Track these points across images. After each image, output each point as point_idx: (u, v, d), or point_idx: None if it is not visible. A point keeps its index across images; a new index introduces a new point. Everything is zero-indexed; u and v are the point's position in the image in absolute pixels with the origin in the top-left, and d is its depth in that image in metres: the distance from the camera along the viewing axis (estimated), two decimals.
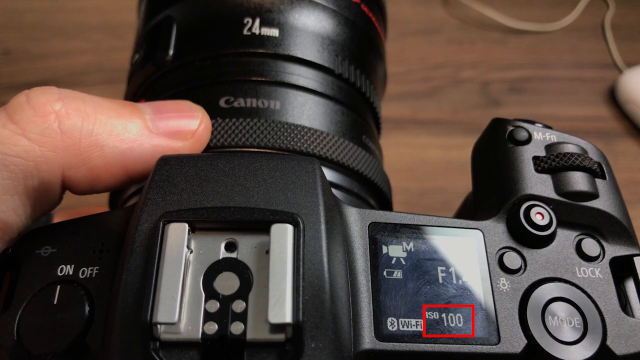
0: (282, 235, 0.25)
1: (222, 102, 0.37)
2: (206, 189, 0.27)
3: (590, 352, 0.27)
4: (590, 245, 0.30)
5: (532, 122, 0.34)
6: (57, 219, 0.46)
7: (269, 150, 0.35)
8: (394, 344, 0.27)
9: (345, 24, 0.42)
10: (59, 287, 0.27)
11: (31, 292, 0.27)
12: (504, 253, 0.30)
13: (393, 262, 0.29)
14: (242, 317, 0.24)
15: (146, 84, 0.41)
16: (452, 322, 0.28)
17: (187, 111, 0.33)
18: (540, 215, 0.30)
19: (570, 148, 0.33)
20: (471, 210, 0.35)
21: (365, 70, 0.43)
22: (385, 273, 0.29)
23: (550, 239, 0.30)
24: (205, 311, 0.25)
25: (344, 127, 0.39)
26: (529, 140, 0.33)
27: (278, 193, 0.27)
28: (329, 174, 0.36)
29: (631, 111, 0.80)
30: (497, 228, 0.31)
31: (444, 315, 0.28)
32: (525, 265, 0.30)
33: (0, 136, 0.27)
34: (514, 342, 0.28)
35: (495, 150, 0.33)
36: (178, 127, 0.32)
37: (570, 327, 0.28)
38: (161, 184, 0.27)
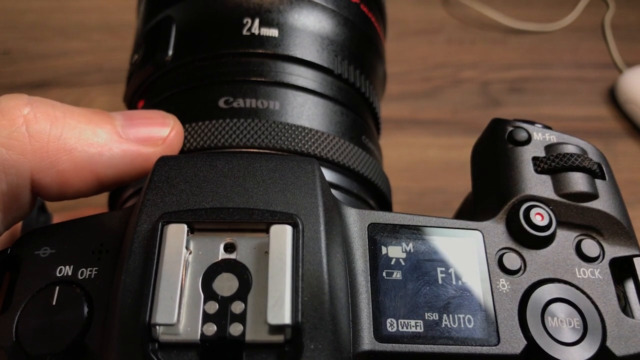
0: (282, 236, 0.25)
1: (221, 103, 0.37)
2: (205, 190, 0.27)
3: (590, 353, 0.27)
4: (590, 246, 0.30)
5: (532, 123, 0.34)
6: (56, 219, 0.46)
7: (268, 151, 0.35)
8: (394, 344, 0.27)
9: (344, 24, 0.42)
10: (57, 287, 0.27)
11: (30, 293, 0.27)
12: (503, 254, 0.30)
13: (392, 263, 0.29)
14: (241, 318, 0.24)
15: (145, 84, 0.41)
16: (451, 323, 0.28)
17: (157, 118, 0.33)
18: (540, 216, 0.30)
19: (570, 149, 0.33)
20: (471, 211, 0.35)
21: (365, 70, 0.43)
22: (384, 274, 0.29)
23: (550, 239, 0.30)
24: (204, 312, 0.25)
25: (344, 128, 0.39)
26: (528, 140, 0.33)
27: (277, 194, 0.27)
28: (329, 175, 0.36)
29: (631, 111, 0.80)
30: (496, 229, 0.31)
31: (443, 316, 0.28)
32: (525, 266, 0.30)
33: None
34: (514, 343, 0.28)
35: (494, 151, 0.33)
36: (148, 134, 0.32)
37: (570, 328, 0.28)
38: (160, 184, 0.27)
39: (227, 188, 0.27)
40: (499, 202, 0.31)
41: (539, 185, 0.31)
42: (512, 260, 0.30)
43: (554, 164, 0.32)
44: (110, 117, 0.31)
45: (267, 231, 0.26)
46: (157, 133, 0.32)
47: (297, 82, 0.38)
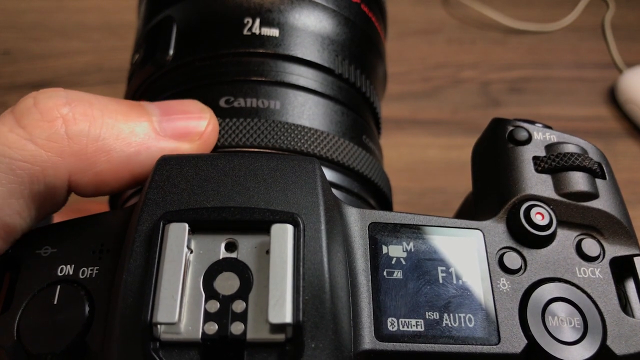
0: (282, 236, 0.25)
1: (222, 102, 0.37)
2: (206, 189, 0.27)
3: (590, 352, 0.27)
4: (590, 246, 0.30)
5: (532, 122, 0.34)
6: (57, 218, 0.46)
7: (269, 150, 0.35)
8: (394, 344, 0.27)
9: (345, 24, 0.42)
10: (58, 287, 0.27)
11: (31, 292, 0.27)
12: (504, 253, 0.30)
13: (393, 262, 0.29)
14: (242, 317, 0.24)
15: (146, 84, 0.41)
16: (452, 322, 0.28)
17: (194, 112, 0.33)
18: (540, 216, 0.30)
19: (570, 148, 0.33)
20: (471, 210, 0.35)
21: (365, 70, 0.43)
22: (385, 273, 0.29)
23: (550, 239, 0.30)
24: (206, 311, 0.25)
25: (344, 127, 0.39)
26: (529, 140, 0.33)
27: (278, 193, 0.27)
28: (329, 174, 0.36)
29: (631, 111, 0.80)
30: (497, 228, 0.31)
31: (444, 315, 0.28)
32: (526, 266, 0.30)
33: (7, 140, 0.27)
34: (514, 342, 0.28)
35: (495, 150, 0.33)
36: (186, 128, 0.32)
37: (570, 327, 0.28)
38: (161, 184, 0.27)
39: (228, 187, 0.27)
40: (499, 202, 0.31)
41: (539, 184, 0.31)
42: (512, 260, 0.30)
43: (554, 163, 0.32)
44: (147, 112, 0.31)
45: (268, 230, 0.26)
46: (195, 128, 0.32)
47: (297, 82, 0.38)
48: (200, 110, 0.33)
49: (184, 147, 0.31)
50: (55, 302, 0.26)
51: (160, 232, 0.25)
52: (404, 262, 0.29)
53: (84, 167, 0.28)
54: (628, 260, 0.30)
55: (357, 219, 0.30)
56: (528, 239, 0.30)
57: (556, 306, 0.28)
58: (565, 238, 0.31)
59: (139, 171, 0.30)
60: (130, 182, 0.30)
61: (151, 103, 0.32)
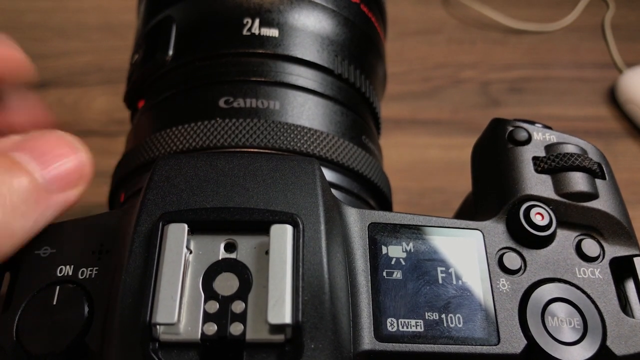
0: (282, 236, 0.25)
1: (221, 103, 0.37)
2: (205, 190, 0.27)
3: (590, 353, 0.27)
4: (590, 246, 0.30)
5: (532, 123, 0.34)
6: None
7: (269, 151, 0.35)
8: (394, 344, 0.27)
9: (344, 24, 0.42)
10: (58, 287, 0.27)
11: (30, 293, 0.27)
12: (503, 253, 0.30)
13: (393, 262, 0.29)
14: (242, 317, 0.24)
15: (146, 84, 0.41)
16: (451, 323, 0.28)
17: (64, 147, 0.28)
18: (540, 216, 0.30)
19: (570, 148, 0.33)
20: (471, 211, 0.35)
21: (365, 70, 0.43)
22: (385, 273, 0.29)
23: (550, 239, 0.30)
24: (205, 312, 0.25)
25: (344, 128, 0.39)
26: (528, 140, 0.33)
27: (277, 193, 0.27)
28: (329, 175, 0.36)
29: (631, 111, 0.80)
30: (497, 228, 0.31)
31: (443, 315, 0.28)
32: (525, 266, 0.30)
33: None
34: (514, 342, 0.28)
35: (495, 151, 0.33)
36: (67, 175, 0.28)
37: (570, 328, 0.28)
38: (160, 184, 0.27)
39: (227, 188, 0.27)
40: (499, 202, 0.31)
41: (539, 185, 0.31)
42: (512, 260, 0.30)
43: (554, 163, 0.32)
44: (22, 167, 0.26)
45: (267, 231, 0.26)
46: (76, 170, 0.28)
47: (297, 82, 0.38)
48: (72, 147, 0.29)
49: (72, 195, 0.28)
50: (54, 303, 0.26)
51: (159, 232, 0.25)
52: (403, 263, 0.29)
53: None
54: (628, 260, 0.30)
55: (356, 220, 0.30)
56: (528, 239, 0.30)
57: (556, 306, 0.28)
58: (565, 238, 0.31)
59: (38, 232, 0.27)
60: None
61: (18, 147, 0.27)
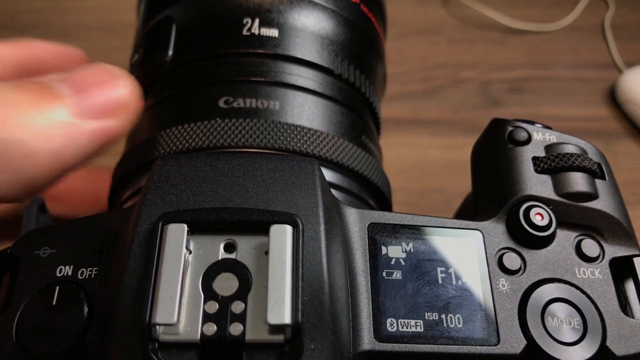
0: (281, 236, 0.25)
1: (221, 103, 0.37)
2: (205, 190, 0.27)
3: (590, 353, 0.27)
4: (590, 246, 0.30)
5: (532, 123, 0.34)
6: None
7: (268, 151, 0.35)
8: (394, 344, 0.27)
9: (344, 24, 0.42)
10: (57, 287, 0.27)
11: (30, 293, 0.27)
12: (503, 254, 0.30)
13: (392, 262, 0.29)
14: (241, 318, 0.24)
15: (145, 84, 0.41)
16: (451, 323, 0.28)
17: (108, 79, 0.28)
18: (539, 216, 0.30)
19: (570, 148, 0.33)
20: (471, 211, 0.35)
21: (365, 70, 0.43)
22: (384, 274, 0.29)
23: (549, 239, 0.30)
24: (204, 312, 0.25)
25: (344, 128, 0.39)
26: (528, 140, 0.33)
27: (277, 194, 0.27)
28: (329, 175, 0.36)
29: (631, 111, 0.80)
30: (496, 229, 0.31)
31: (443, 316, 0.28)
32: (525, 266, 0.30)
33: None
34: (514, 342, 0.28)
35: (494, 151, 0.33)
36: (107, 103, 0.27)
37: (569, 328, 0.28)
38: (160, 184, 0.27)
39: (227, 188, 0.27)
40: (498, 202, 0.31)
41: (539, 185, 0.31)
42: (512, 260, 0.30)
43: (554, 163, 0.32)
44: (59, 94, 0.26)
45: (267, 231, 0.26)
46: (117, 99, 0.28)
47: (297, 82, 0.38)
48: (112, 75, 0.28)
49: (113, 125, 0.27)
50: (54, 303, 0.26)
51: (159, 232, 0.25)
52: (403, 263, 0.29)
53: (9, 179, 0.25)
54: (628, 260, 0.30)
55: (356, 220, 0.30)
56: (527, 239, 0.30)
57: (556, 307, 0.28)
58: (565, 238, 0.31)
59: (69, 162, 0.27)
60: (62, 175, 0.27)
61: (59, 79, 0.27)
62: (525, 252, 0.30)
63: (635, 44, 0.90)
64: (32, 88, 0.26)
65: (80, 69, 0.28)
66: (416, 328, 0.27)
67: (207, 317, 0.24)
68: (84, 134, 0.26)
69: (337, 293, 0.26)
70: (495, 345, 0.27)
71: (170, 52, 0.39)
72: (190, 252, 0.26)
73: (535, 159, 0.32)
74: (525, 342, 0.28)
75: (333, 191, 0.32)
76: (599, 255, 0.30)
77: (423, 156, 0.75)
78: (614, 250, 0.30)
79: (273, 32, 0.39)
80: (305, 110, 0.37)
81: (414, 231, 0.30)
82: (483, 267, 0.29)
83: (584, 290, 0.29)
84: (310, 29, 0.40)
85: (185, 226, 0.26)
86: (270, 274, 0.24)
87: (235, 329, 0.24)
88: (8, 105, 0.25)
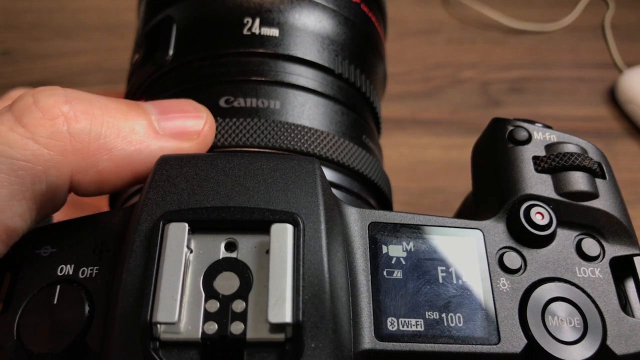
0: (282, 235, 0.25)
1: (222, 102, 0.37)
2: (206, 189, 0.27)
3: (590, 352, 0.27)
4: (590, 245, 0.30)
5: (532, 122, 0.34)
6: (57, 217, 0.46)
7: (269, 150, 0.35)
8: (394, 343, 0.27)
9: (345, 24, 0.42)
10: (58, 287, 0.27)
11: (31, 292, 0.27)
12: (504, 253, 0.30)
13: (393, 262, 0.29)
14: (242, 316, 0.24)
15: (146, 84, 0.41)
16: (452, 322, 0.28)
17: (191, 111, 0.33)
18: (540, 215, 0.30)
19: (570, 148, 0.33)
20: (471, 210, 0.35)
21: (365, 70, 0.43)
22: (385, 273, 0.29)
23: (550, 238, 0.30)
24: (205, 311, 0.25)
25: (344, 127, 0.39)
26: (528, 140, 0.33)
27: (278, 193, 0.27)
28: (329, 174, 0.36)
29: (631, 111, 0.80)
30: (497, 228, 0.31)
31: (443, 315, 0.28)
32: (525, 265, 0.30)
33: (8, 140, 0.26)
34: (514, 341, 0.28)
35: (495, 150, 0.33)
36: (183, 127, 0.32)
37: (570, 327, 0.28)
38: (161, 183, 0.27)
39: (228, 187, 0.27)
40: (499, 202, 0.31)
41: (539, 184, 0.31)
42: (512, 260, 0.30)
43: (554, 163, 0.32)
44: (145, 111, 0.31)
45: (267, 230, 0.26)
46: (192, 127, 0.32)
47: (297, 82, 0.38)
48: (197, 109, 0.33)
49: (183, 146, 0.31)
50: (55, 302, 0.26)
51: (160, 231, 0.25)
52: (403, 262, 0.29)
53: (86, 166, 0.28)
54: (628, 260, 0.30)
55: (357, 219, 0.30)
56: (528, 238, 0.30)
57: (556, 306, 0.28)
58: (565, 238, 0.31)
59: (139, 170, 0.30)
60: (131, 181, 0.30)
61: (148, 102, 0.32)
62: (526, 252, 0.30)
63: (635, 44, 0.90)
64: (126, 102, 0.31)
65: (172, 100, 0.33)
66: (417, 327, 0.27)
67: (208, 316, 0.24)
68: (156, 146, 0.30)
69: (338, 292, 0.26)
70: (495, 344, 0.27)
71: (171, 52, 0.39)
72: (191, 251, 0.26)
73: (535, 159, 0.32)
74: (525, 341, 0.28)
75: (334, 190, 0.32)
76: (599, 255, 0.30)
77: (423, 156, 0.75)
78: (614, 250, 0.30)
79: (274, 32, 0.39)
80: (306, 110, 0.37)
81: (415, 230, 0.30)
82: (483, 266, 0.29)
83: (584, 290, 0.29)
84: (310, 28, 0.40)
85: (186, 225, 0.26)
86: (271, 273, 0.24)
87: (236, 327, 0.24)
88: (100, 107, 0.29)
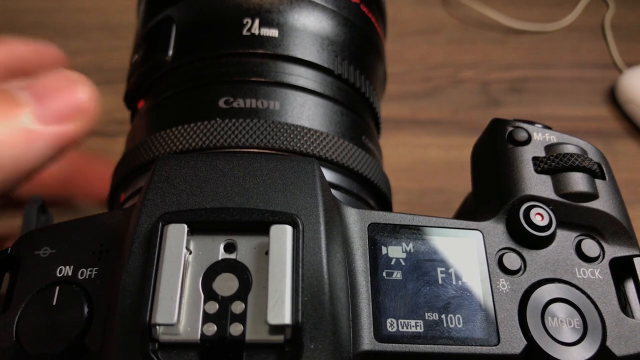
0: (282, 236, 0.25)
1: (221, 103, 0.37)
2: (205, 190, 0.27)
3: (590, 353, 0.27)
4: (590, 246, 0.30)
5: (532, 123, 0.34)
6: (57, 218, 0.46)
7: (269, 151, 0.35)
8: (394, 345, 0.27)
9: (344, 25, 0.42)
10: (57, 288, 0.27)
11: (30, 293, 0.27)
12: (503, 254, 0.30)
13: (392, 263, 0.29)
14: (241, 318, 0.24)
15: (146, 84, 0.41)
16: (451, 323, 0.28)
17: (67, 85, 0.29)
18: (540, 216, 0.30)
19: (570, 149, 0.33)
20: (471, 211, 0.35)
21: (365, 70, 0.43)
22: (384, 274, 0.29)
23: (550, 239, 0.30)
24: (204, 312, 0.25)
25: (344, 128, 0.39)
26: (528, 140, 0.33)
27: (277, 194, 0.27)
28: (329, 175, 0.36)
29: (631, 111, 0.80)
30: (496, 229, 0.31)
31: (443, 316, 0.28)
32: (525, 266, 0.30)
33: None
34: (514, 343, 0.28)
35: (494, 151, 0.33)
36: (65, 108, 0.29)
37: (570, 328, 0.28)
38: (160, 184, 0.27)
39: (227, 188, 0.27)
40: (499, 202, 0.31)
41: (539, 185, 0.31)
42: (512, 260, 0.30)
43: (554, 164, 0.32)
44: (19, 103, 0.28)
45: (267, 231, 0.26)
46: (75, 104, 0.29)
47: (297, 82, 0.38)
48: (71, 80, 0.30)
49: (70, 129, 0.29)
50: (54, 303, 0.26)
51: (159, 233, 0.25)
52: (403, 263, 0.29)
53: None
54: (628, 260, 0.30)
55: (356, 220, 0.30)
56: (528, 239, 0.30)
57: (556, 307, 0.28)
58: (565, 239, 0.31)
59: (32, 167, 0.28)
60: (27, 177, 0.28)
61: (20, 87, 0.29)
62: (525, 252, 0.30)
63: (635, 44, 0.90)
64: None
65: (42, 75, 0.29)
66: (416, 328, 0.27)
67: (207, 318, 0.24)
68: (43, 139, 0.28)
69: (337, 293, 0.26)
70: (495, 345, 0.27)
71: (170, 52, 0.39)
72: (190, 252, 0.26)
73: (535, 159, 0.32)
74: (525, 342, 0.28)
75: (333, 191, 0.32)
76: (599, 256, 0.30)
77: (423, 156, 0.75)
78: (614, 251, 0.30)
79: (273, 32, 0.39)
80: (305, 111, 0.37)
81: (414, 231, 0.30)
82: (483, 267, 0.29)
83: (584, 291, 0.29)
84: (310, 29, 0.40)
85: (186, 226, 0.26)
86: (271, 274, 0.24)
87: (236, 329, 0.24)
88: None
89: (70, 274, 0.27)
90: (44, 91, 0.29)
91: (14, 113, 0.27)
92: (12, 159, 0.27)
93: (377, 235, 0.30)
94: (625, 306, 0.29)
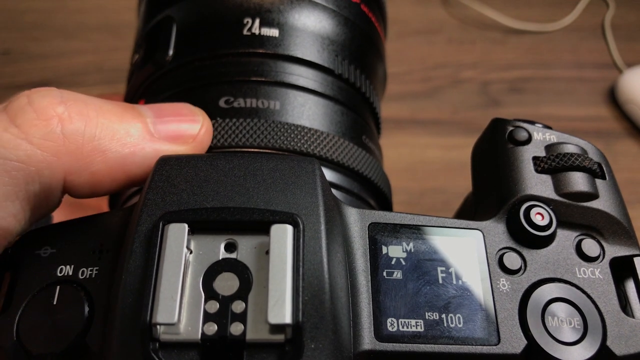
0: (282, 236, 0.25)
1: (221, 102, 0.37)
2: (206, 190, 0.27)
3: (590, 353, 0.27)
4: (590, 246, 0.30)
5: (532, 122, 0.34)
6: (57, 218, 0.46)
7: (269, 151, 0.35)
8: (394, 344, 0.27)
9: (345, 24, 0.42)
10: (58, 287, 0.27)
11: (31, 293, 0.27)
12: (504, 253, 0.30)
13: (393, 262, 0.29)
14: (242, 317, 0.24)
15: (146, 84, 0.41)
16: (452, 323, 0.28)
17: (188, 115, 0.33)
18: (540, 216, 0.30)
19: (570, 148, 0.33)
20: (471, 211, 0.35)
21: (365, 70, 0.43)
22: (385, 273, 0.29)
23: (550, 239, 0.30)
24: (205, 312, 0.25)
25: (344, 127, 0.39)
26: (528, 140, 0.33)
27: (278, 193, 0.27)
28: (329, 174, 0.36)
29: (631, 111, 0.80)
30: (497, 228, 0.31)
31: (443, 315, 0.28)
32: (525, 266, 0.30)
33: (1, 140, 0.26)
34: (514, 342, 0.28)
35: (495, 151, 0.33)
36: (179, 131, 0.32)
37: (570, 328, 0.28)
38: (161, 184, 0.27)
39: (227, 188, 0.27)
40: (499, 202, 0.31)
41: (539, 184, 0.31)
42: (512, 260, 0.30)
43: (554, 163, 0.32)
44: (141, 114, 0.31)
45: (267, 231, 0.26)
46: (188, 130, 0.32)
47: (297, 82, 0.38)
48: (193, 113, 0.33)
49: (178, 150, 0.31)
50: (54, 303, 0.26)
51: (159, 232, 0.25)
52: (403, 263, 0.29)
53: (79, 167, 0.28)
54: (628, 260, 0.30)
55: (356, 219, 0.30)
56: (528, 239, 0.30)
57: (556, 306, 0.28)
58: (565, 238, 0.31)
59: (133, 172, 0.30)
60: (125, 183, 0.30)
61: (144, 105, 0.32)
62: (526, 252, 0.30)
63: (635, 44, 0.90)
64: (121, 104, 0.31)
65: (168, 104, 0.33)
66: (417, 328, 0.27)
67: (207, 317, 0.24)
68: (152, 149, 0.30)
69: (338, 293, 0.26)
70: (495, 345, 0.27)
71: (171, 52, 0.39)
72: (190, 252, 0.26)
73: (535, 159, 0.32)
74: (525, 341, 0.28)
75: (333, 191, 0.32)
76: (599, 255, 0.30)
77: (423, 156, 0.76)
78: (614, 250, 0.30)
79: (273, 32, 0.39)
80: (306, 110, 0.37)
81: (415, 231, 0.30)
82: (483, 267, 0.29)
83: (584, 290, 0.29)
84: (310, 28, 0.40)
85: (186, 226, 0.26)
86: (271, 273, 0.24)
87: (236, 328, 0.24)
88: (95, 108, 0.29)
89: (70, 273, 0.27)
90: (164, 113, 0.32)
91: (133, 119, 0.30)
92: (119, 157, 0.29)
93: (378, 234, 0.30)
94: (625, 306, 0.29)
